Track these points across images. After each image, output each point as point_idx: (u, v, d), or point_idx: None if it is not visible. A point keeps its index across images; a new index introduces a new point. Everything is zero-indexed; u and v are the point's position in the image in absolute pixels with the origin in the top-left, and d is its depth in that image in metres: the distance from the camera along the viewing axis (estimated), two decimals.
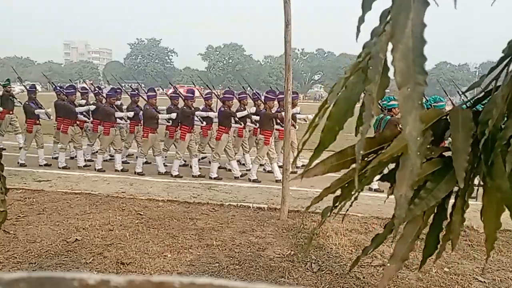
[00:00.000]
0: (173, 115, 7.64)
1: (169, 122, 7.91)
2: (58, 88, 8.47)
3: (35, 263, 3.71)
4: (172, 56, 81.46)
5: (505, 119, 1.02)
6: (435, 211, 1.16)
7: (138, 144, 8.43)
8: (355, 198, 1.21)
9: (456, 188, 1.10)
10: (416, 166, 0.86)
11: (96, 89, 9.01)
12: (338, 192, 1.22)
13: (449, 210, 1.17)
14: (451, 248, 1.22)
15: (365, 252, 1.26)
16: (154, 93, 7.88)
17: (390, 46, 0.84)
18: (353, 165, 1.13)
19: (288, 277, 3.60)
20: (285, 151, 5.31)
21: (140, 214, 5.11)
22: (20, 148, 9.50)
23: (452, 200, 1.17)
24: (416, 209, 1.07)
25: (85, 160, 8.22)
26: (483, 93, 1.18)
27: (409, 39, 0.80)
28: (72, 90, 8.13)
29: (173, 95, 8.09)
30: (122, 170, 7.79)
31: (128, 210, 5.25)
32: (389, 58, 0.84)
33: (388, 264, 1.11)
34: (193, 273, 3.59)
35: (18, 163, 7.87)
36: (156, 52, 78.68)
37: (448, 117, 1.12)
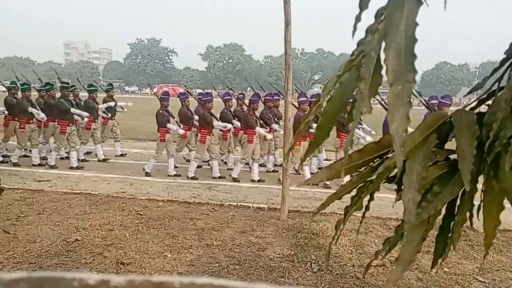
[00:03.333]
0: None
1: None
2: (183, 94, 8.11)
3: (35, 263, 3.71)
4: (172, 56, 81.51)
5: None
6: (445, 213, 1.16)
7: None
8: (367, 208, 1.18)
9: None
10: (399, 162, 0.87)
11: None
12: (345, 198, 1.20)
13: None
14: (452, 248, 1.22)
15: (377, 256, 1.25)
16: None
17: (383, 44, 0.84)
18: (361, 170, 1.13)
19: (288, 277, 3.60)
20: (285, 151, 5.31)
21: (140, 214, 5.11)
22: (119, 155, 9.32)
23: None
24: (424, 213, 1.07)
25: (239, 169, 7.73)
26: (486, 94, 1.18)
27: (402, 38, 0.81)
28: (209, 98, 7.62)
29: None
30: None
31: (128, 210, 5.25)
32: (382, 56, 0.85)
33: (394, 267, 1.10)
34: (193, 273, 3.59)
35: (143, 170, 7.61)
36: (156, 52, 78.69)
37: (452, 120, 1.11)
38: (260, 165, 8.55)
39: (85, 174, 7.47)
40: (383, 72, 0.87)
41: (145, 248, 4.09)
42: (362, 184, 1.14)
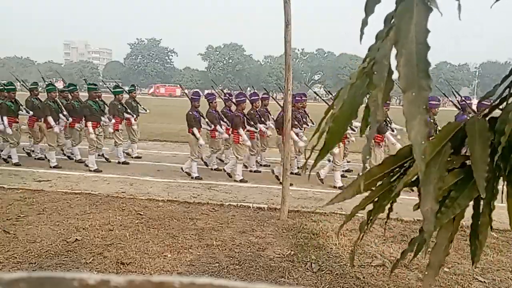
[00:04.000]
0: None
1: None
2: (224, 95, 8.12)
3: (35, 263, 3.71)
4: (172, 56, 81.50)
5: None
6: (473, 213, 1.19)
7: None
8: (390, 210, 1.23)
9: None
10: (421, 170, 0.87)
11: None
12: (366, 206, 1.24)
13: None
14: (479, 249, 1.24)
15: (403, 256, 1.28)
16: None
17: (394, 50, 0.85)
18: (379, 182, 1.17)
19: (288, 277, 3.60)
20: (285, 151, 5.31)
21: (140, 214, 5.11)
22: (134, 156, 9.25)
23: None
24: (443, 218, 1.10)
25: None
26: (498, 100, 1.19)
27: (412, 44, 0.81)
28: (243, 99, 7.64)
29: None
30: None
31: (128, 210, 5.25)
32: (393, 62, 0.85)
33: (426, 273, 1.14)
34: (193, 273, 3.59)
35: (194, 178, 7.39)
36: (156, 52, 78.68)
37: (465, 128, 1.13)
38: (264, 165, 8.60)
39: (85, 174, 7.47)
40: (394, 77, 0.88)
41: (145, 248, 4.09)
42: (383, 192, 1.19)
